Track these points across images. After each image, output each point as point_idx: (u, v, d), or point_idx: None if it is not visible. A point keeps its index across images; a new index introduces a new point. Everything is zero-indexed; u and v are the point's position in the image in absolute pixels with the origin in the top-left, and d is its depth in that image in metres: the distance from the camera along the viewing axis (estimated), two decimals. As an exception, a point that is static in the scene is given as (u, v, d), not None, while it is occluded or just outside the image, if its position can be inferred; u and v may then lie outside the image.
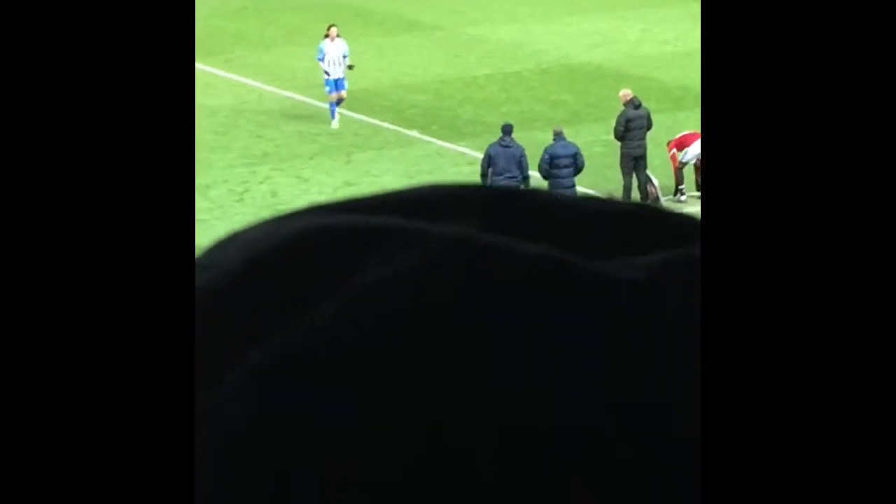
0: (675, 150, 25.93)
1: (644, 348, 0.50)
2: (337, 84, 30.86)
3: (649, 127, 25.95)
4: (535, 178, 25.00)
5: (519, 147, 24.89)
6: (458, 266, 0.52)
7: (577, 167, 24.48)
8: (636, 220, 0.57)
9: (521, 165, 24.73)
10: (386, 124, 30.93)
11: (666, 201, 25.49)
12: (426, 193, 0.58)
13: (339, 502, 0.48)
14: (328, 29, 31.38)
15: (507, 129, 25.20)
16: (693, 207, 24.96)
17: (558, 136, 24.92)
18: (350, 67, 30.92)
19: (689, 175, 26.11)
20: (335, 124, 30.42)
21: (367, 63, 35.67)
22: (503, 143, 24.91)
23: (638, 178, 25.73)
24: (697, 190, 25.84)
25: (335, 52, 30.98)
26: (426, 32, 38.49)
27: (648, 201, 23.45)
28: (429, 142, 29.75)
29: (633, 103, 26.11)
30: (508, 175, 24.64)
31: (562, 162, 24.57)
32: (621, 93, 26.84)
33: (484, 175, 24.74)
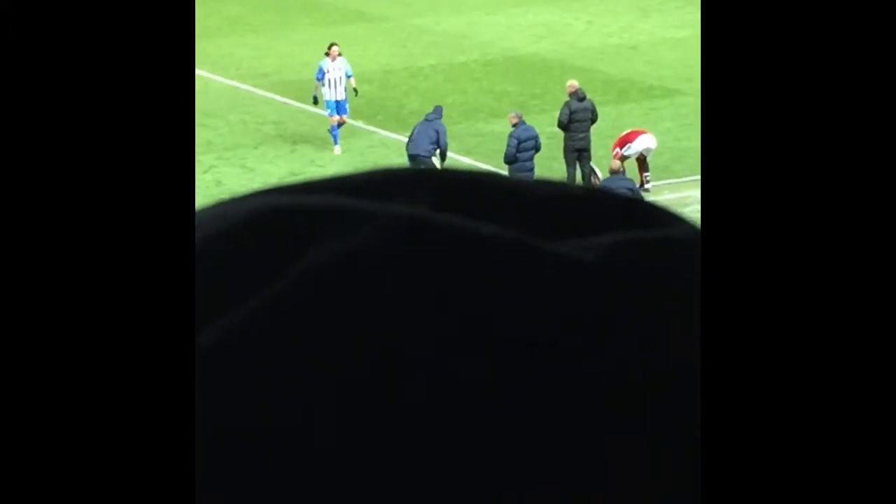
0: (618, 148, 26.04)
1: (594, 325, 0.51)
2: (338, 106, 28.57)
3: (594, 120, 26.01)
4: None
5: (441, 125, 25.22)
6: (409, 244, 0.52)
7: (537, 148, 24.74)
8: (587, 203, 0.57)
9: (438, 141, 25.03)
10: (331, 114, 30.91)
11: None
12: (378, 176, 0.57)
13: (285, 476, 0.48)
14: (329, 48, 29.08)
15: (436, 110, 25.64)
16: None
17: (521, 120, 25.02)
18: (355, 92, 28.87)
19: (632, 168, 26.20)
20: (338, 150, 28.48)
21: (313, 53, 35.57)
22: (427, 119, 25.17)
23: (581, 169, 25.79)
24: (641, 183, 25.94)
25: (336, 71, 28.70)
26: (372, 23, 38.42)
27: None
28: (374, 132, 29.72)
29: (578, 95, 26.15)
30: (422, 151, 24.93)
31: (528, 145, 24.73)
32: (568, 83, 26.88)
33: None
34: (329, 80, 28.68)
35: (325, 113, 28.60)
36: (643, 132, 26.51)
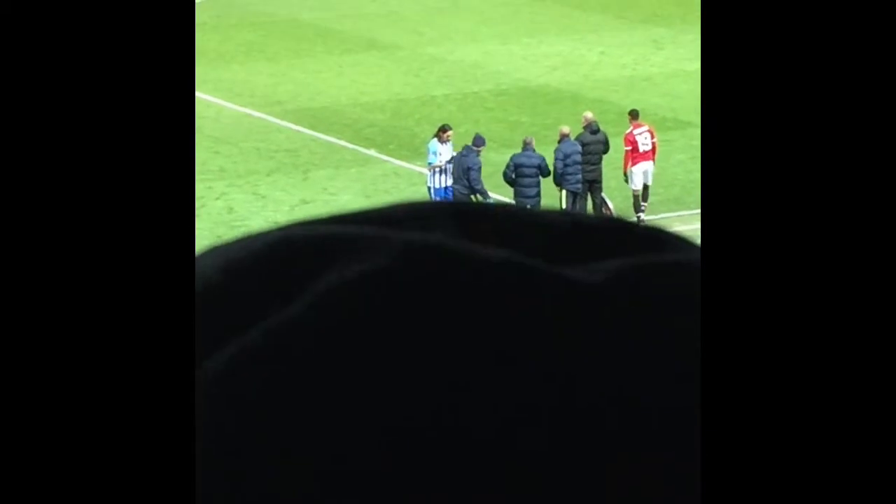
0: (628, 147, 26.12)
1: (599, 345, 0.52)
2: (447, 192, 25.88)
3: (606, 150, 26.04)
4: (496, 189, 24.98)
5: (472, 160, 25.05)
6: (420, 267, 0.54)
7: (543, 175, 24.75)
8: (599, 230, 0.59)
9: (468, 177, 24.91)
10: (343, 142, 30.90)
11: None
12: (400, 208, 0.60)
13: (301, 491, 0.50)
14: (442, 130, 26.47)
15: (475, 140, 25.46)
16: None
17: (527, 146, 25.04)
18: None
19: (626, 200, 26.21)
20: None
21: (327, 81, 35.62)
22: (461, 153, 25.12)
23: (593, 200, 25.81)
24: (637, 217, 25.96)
25: (445, 156, 26.15)
26: (386, 51, 38.49)
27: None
28: (386, 161, 29.74)
29: (591, 128, 26.17)
30: (458, 185, 24.82)
31: (526, 171, 24.70)
32: (583, 115, 26.91)
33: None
34: (437, 167, 26.29)
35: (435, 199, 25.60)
36: (645, 157, 26.49)
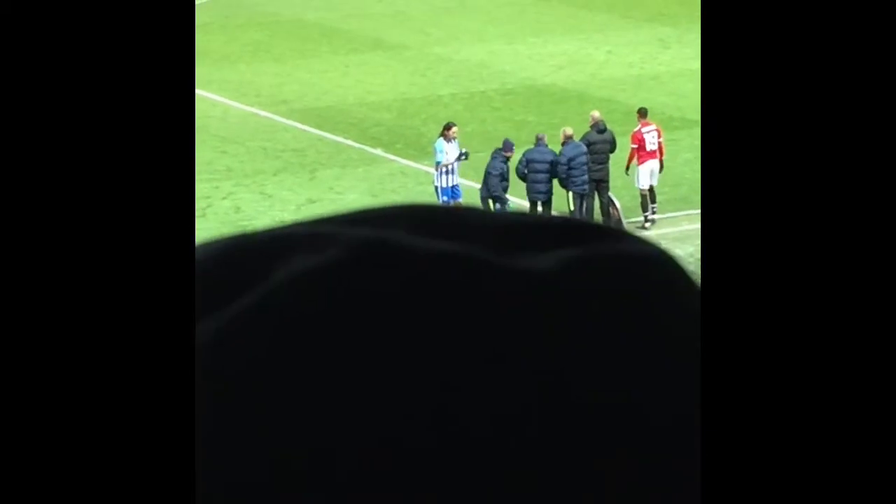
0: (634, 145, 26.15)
1: (549, 329, 0.54)
2: (454, 191, 25.87)
3: (612, 150, 26.04)
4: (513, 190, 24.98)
5: (493, 165, 25.13)
6: (364, 261, 0.55)
7: (553, 173, 24.87)
8: (552, 226, 0.60)
9: (486, 181, 25.03)
10: (350, 142, 30.91)
11: (628, 224, 25.57)
12: (367, 210, 0.61)
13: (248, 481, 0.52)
14: (448, 128, 26.49)
15: (503, 145, 25.54)
16: (658, 230, 25.06)
17: (539, 142, 25.11)
18: (466, 156, 26.01)
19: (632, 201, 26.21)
20: None
21: (332, 81, 35.66)
22: (491, 156, 25.25)
23: (600, 199, 25.81)
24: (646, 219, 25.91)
25: (452, 154, 26.00)
26: (392, 51, 38.52)
27: (612, 223, 23.73)
28: (393, 160, 29.76)
29: (598, 127, 26.17)
30: (482, 188, 24.93)
31: (538, 167, 24.76)
32: (591, 114, 26.93)
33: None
34: (444, 167, 26.18)
35: (441, 199, 24.71)
36: (651, 156, 26.48)
